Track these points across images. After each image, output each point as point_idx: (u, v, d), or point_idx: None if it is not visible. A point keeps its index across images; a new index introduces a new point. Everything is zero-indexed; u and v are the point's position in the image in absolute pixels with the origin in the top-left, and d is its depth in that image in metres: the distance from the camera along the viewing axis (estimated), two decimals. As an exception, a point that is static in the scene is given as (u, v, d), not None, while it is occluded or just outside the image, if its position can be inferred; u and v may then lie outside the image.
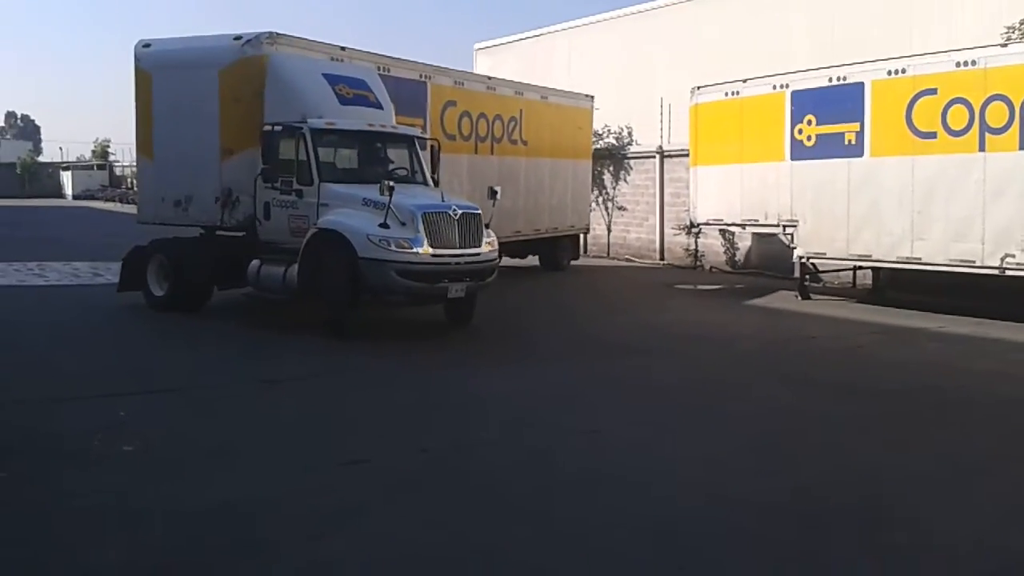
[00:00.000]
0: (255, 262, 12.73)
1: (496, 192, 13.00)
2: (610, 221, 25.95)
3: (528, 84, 21.26)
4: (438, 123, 17.41)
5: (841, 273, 18.75)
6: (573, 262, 22.48)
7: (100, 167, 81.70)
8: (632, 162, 25.54)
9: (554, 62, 27.50)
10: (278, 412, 8.27)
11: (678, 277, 21.01)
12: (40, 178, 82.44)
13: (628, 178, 25.69)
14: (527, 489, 6.28)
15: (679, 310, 16.31)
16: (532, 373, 10.37)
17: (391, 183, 11.43)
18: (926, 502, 6.20)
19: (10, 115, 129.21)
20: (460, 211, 11.94)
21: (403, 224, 11.53)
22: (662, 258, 24.62)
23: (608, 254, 25.95)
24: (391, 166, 13.38)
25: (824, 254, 16.72)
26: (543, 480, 6.50)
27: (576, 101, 22.37)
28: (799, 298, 16.98)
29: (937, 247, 14.67)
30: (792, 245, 17.15)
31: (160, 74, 13.88)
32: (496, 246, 12.70)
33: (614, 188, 25.89)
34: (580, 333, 13.30)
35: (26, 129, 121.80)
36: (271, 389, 9.18)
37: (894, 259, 15.47)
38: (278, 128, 12.37)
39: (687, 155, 20.42)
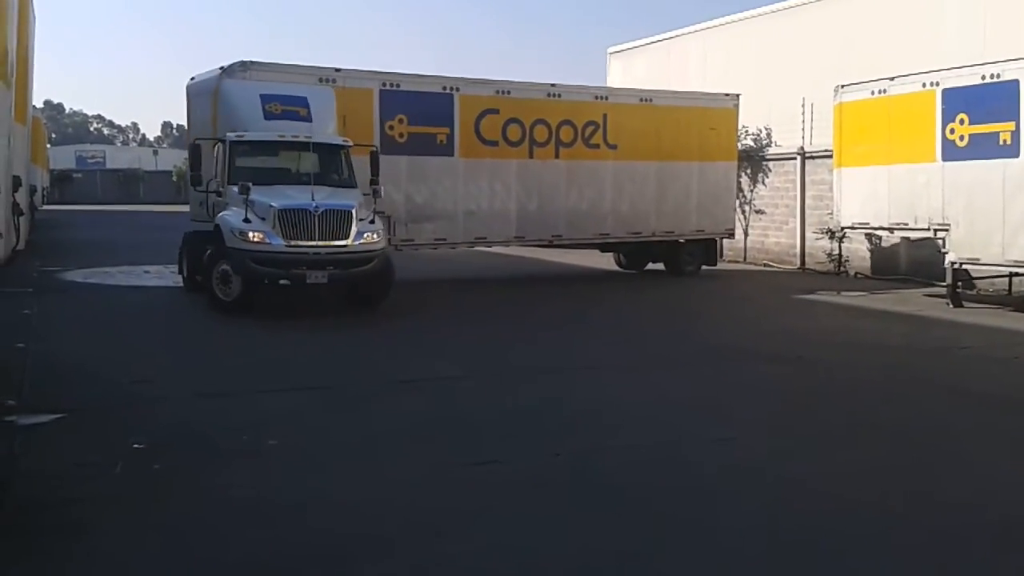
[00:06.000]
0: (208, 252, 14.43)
1: (377, 189, 14.35)
2: (747, 225, 25.33)
3: (613, 88, 21.30)
4: (472, 131, 18.47)
5: (996, 280, 17.74)
6: (707, 267, 21.94)
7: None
8: (771, 164, 24.87)
9: (688, 63, 27.03)
10: (413, 411, 8.40)
11: (820, 283, 20.30)
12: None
13: (767, 180, 25.03)
14: (658, 496, 6.19)
15: (822, 317, 15.76)
16: (665, 378, 10.25)
17: (248, 184, 13.09)
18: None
19: (166, 125, 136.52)
20: (322, 208, 13.24)
21: (263, 219, 13.17)
22: (803, 263, 23.86)
23: (744, 259, 25.33)
24: (319, 171, 14.61)
25: (978, 260, 15.88)
26: (674, 486, 6.41)
27: (706, 101, 21.89)
28: (951, 306, 16.15)
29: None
30: (944, 250, 16.37)
31: (194, 100, 17.17)
32: (377, 239, 13.87)
33: (752, 191, 25.29)
34: (716, 339, 13.03)
35: (181, 138, 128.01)
36: (407, 389, 9.35)
37: (1053, 266, 14.58)
38: (206, 141, 14.80)
39: (830, 156, 19.79)
